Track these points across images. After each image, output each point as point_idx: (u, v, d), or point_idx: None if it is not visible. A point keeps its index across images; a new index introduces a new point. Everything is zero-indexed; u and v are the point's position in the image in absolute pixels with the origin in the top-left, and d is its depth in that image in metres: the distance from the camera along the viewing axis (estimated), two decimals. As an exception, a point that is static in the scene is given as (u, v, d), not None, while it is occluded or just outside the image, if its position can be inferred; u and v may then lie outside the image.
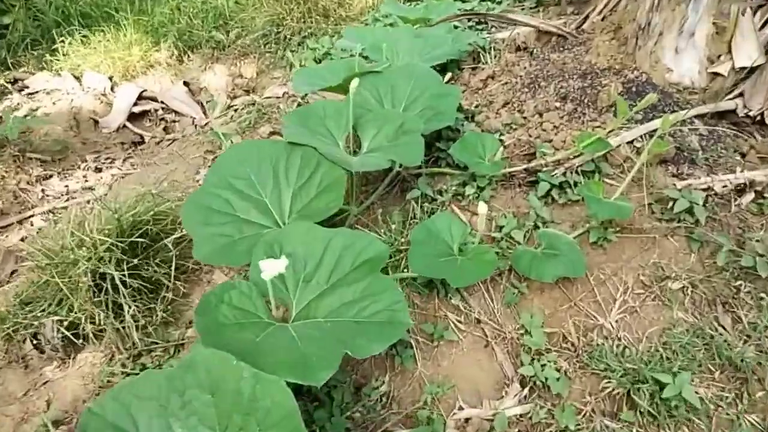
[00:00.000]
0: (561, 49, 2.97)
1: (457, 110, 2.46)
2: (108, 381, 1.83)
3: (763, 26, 2.49)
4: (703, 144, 2.34)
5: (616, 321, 1.76)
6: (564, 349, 1.74)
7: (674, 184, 2.08)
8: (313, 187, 1.89)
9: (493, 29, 3.63)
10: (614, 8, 3.02)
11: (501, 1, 4.09)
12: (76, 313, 1.86)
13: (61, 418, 1.80)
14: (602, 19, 3.04)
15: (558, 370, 1.66)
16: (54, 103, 3.79)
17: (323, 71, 2.64)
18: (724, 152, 2.31)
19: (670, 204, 2.01)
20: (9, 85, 3.96)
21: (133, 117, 3.85)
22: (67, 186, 3.21)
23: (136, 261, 1.94)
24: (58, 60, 4.13)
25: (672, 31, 2.52)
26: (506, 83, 2.90)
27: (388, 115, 2.16)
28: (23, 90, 3.94)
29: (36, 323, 1.92)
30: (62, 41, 4.16)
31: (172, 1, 4.40)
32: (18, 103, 3.76)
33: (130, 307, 1.87)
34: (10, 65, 4.28)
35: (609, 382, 1.59)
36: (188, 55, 4.18)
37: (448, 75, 2.68)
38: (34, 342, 1.94)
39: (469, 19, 3.62)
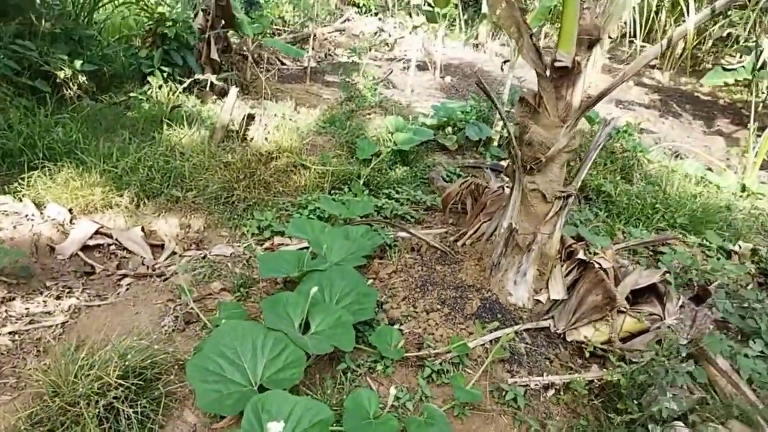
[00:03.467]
0: (443, 262, 4.23)
1: (371, 304, 3.52)
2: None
3: (566, 275, 3.93)
4: (527, 350, 3.58)
5: (466, 472, 2.76)
6: (432, 489, 2.68)
7: (507, 380, 3.24)
8: (281, 361, 2.76)
9: (396, 228, 4.88)
10: (479, 238, 4.41)
11: (404, 203, 5.44)
12: (85, 438, 2.48)
13: None
14: (471, 245, 4.40)
15: (428, 504, 2.59)
16: (15, 227, 4.30)
17: (281, 260, 3.60)
18: (539, 357, 3.56)
19: (504, 393, 3.15)
20: (-32, 202, 4.39)
21: (85, 248, 4.44)
22: (27, 309, 3.69)
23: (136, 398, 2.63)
24: (21, 186, 4.65)
25: (513, 270, 3.87)
26: (405, 280, 4.05)
27: (330, 309, 3.14)
28: (-19, 208, 4.39)
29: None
30: (30, 174, 4.71)
31: (135, 154, 5.20)
32: (-23, 221, 4.22)
33: (131, 438, 2.53)
34: (-33, 182, 4.70)
35: None
36: (144, 202, 4.92)
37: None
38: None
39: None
